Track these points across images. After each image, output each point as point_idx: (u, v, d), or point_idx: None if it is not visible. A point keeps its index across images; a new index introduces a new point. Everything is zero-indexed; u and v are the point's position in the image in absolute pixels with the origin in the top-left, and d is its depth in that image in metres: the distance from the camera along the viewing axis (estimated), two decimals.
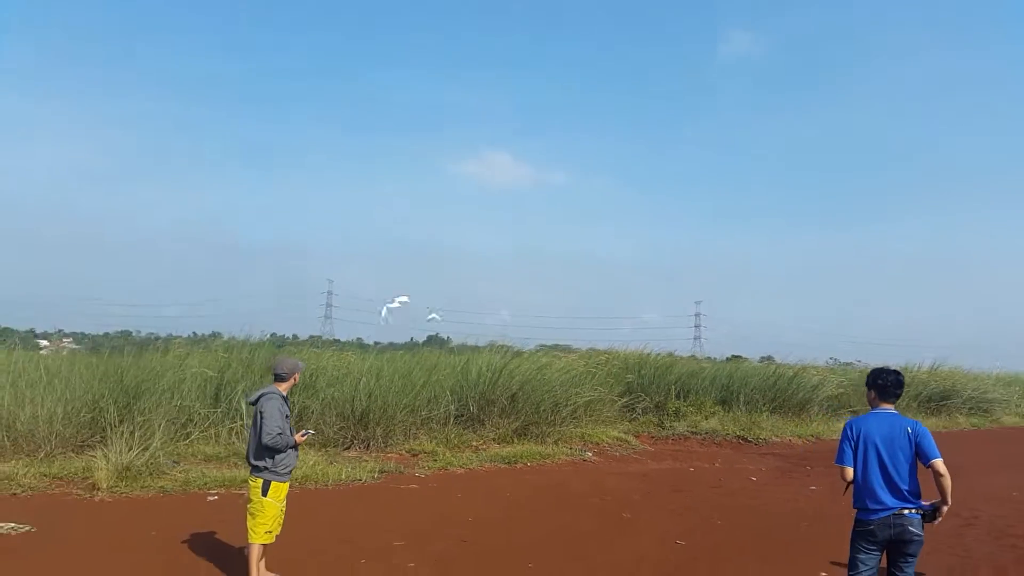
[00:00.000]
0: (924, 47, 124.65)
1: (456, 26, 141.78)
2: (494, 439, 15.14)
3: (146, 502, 9.52)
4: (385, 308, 21.92)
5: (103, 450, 10.95)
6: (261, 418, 6.37)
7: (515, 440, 15.09)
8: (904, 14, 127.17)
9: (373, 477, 11.59)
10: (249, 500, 6.51)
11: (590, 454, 14.80)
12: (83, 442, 11.97)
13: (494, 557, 7.63)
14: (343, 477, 11.37)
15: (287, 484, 6.62)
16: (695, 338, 76.91)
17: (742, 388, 19.55)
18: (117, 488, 9.86)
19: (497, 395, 15.54)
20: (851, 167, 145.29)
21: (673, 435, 18.11)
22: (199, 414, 13.19)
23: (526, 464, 13.47)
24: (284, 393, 6.73)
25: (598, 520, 9.44)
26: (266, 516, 6.43)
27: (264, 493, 6.43)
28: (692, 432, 18.22)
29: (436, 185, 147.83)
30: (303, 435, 6.73)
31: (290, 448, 6.55)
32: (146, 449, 10.88)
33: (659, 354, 21.35)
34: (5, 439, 11.53)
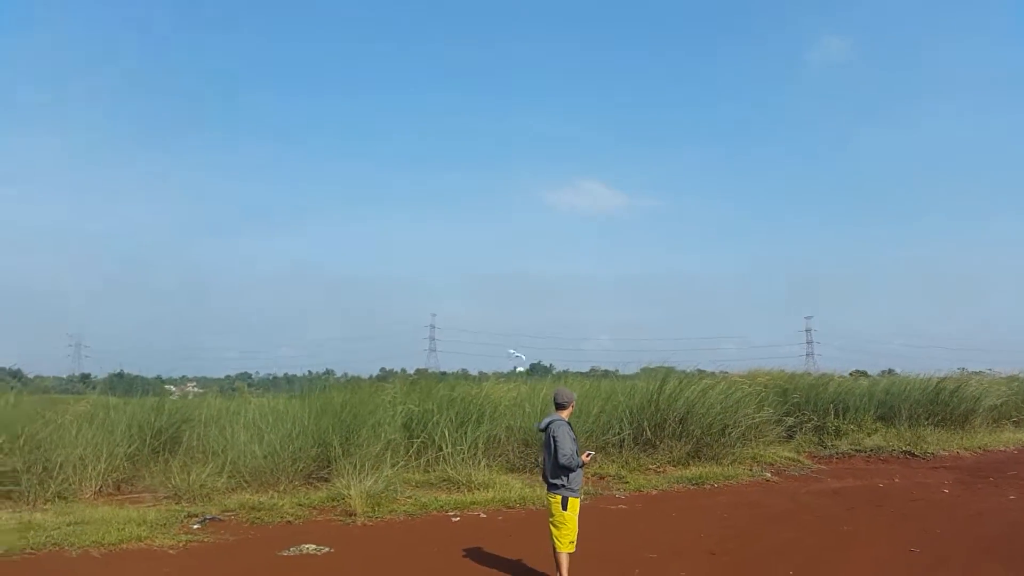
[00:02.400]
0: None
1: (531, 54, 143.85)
2: (668, 461, 15.70)
3: (402, 524, 10.55)
4: (513, 351, 23.31)
5: (342, 480, 12.17)
6: (555, 442, 7.27)
7: (689, 462, 15.61)
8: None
9: (584, 498, 12.34)
10: (551, 515, 7.39)
11: (768, 474, 15.17)
12: (311, 474, 13.21)
13: (750, 566, 8.25)
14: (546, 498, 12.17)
15: (579, 499, 7.46)
16: (807, 354, 75.33)
17: (902, 403, 19.49)
18: (370, 513, 10.93)
19: (668, 419, 16.13)
20: (958, 173, 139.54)
21: (836, 454, 18.20)
22: (399, 444, 14.26)
23: (713, 485, 13.98)
24: (567, 419, 7.61)
25: (821, 534, 9.91)
26: (569, 528, 7.29)
27: (564, 507, 7.31)
28: (856, 450, 18.28)
29: (529, 215, 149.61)
30: (588, 456, 7.59)
31: (578, 467, 7.40)
32: (379, 479, 11.99)
33: (809, 374, 21.49)
34: (246, 474, 12.85)
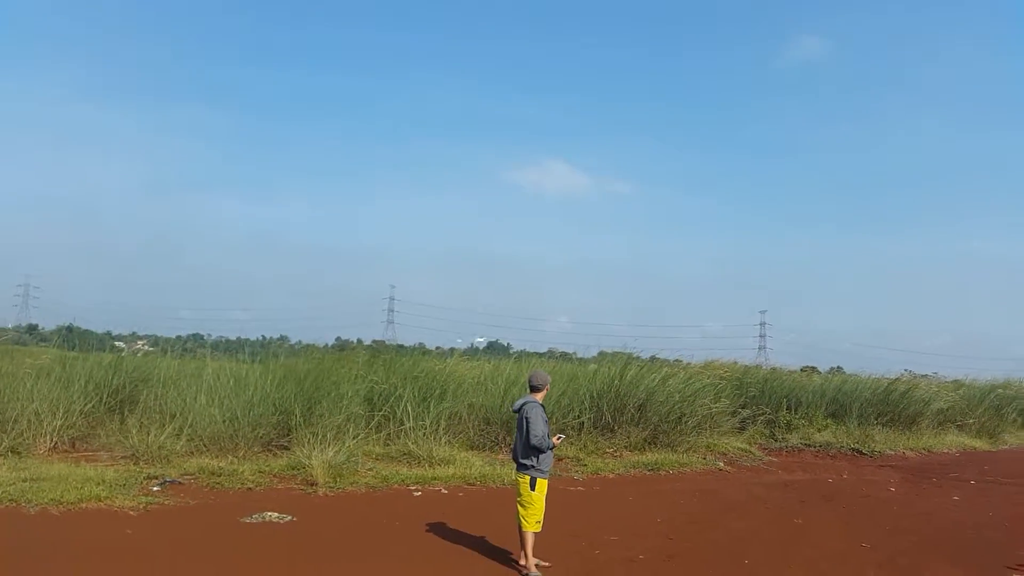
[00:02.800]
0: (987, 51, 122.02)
1: (508, 33, 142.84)
2: (625, 446, 15.97)
3: (363, 496, 10.58)
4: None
5: (302, 449, 12.14)
6: (527, 423, 7.37)
7: (646, 448, 15.91)
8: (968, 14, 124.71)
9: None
10: (519, 494, 7.49)
11: (721, 464, 15.52)
12: (271, 441, 13.15)
13: (707, 553, 8.47)
14: (513, 477, 12.29)
15: (547, 480, 7.57)
16: (760, 348, 76.78)
17: (853, 402, 20.04)
18: (331, 484, 10.93)
19: (627, 404, 16.37)
20: (911, 173, 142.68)
21: (787, 447, 18.69)
22: (361, 417, 14.24)
23: (668, 472, 14.26)
24: (540, 401, 7.70)
25: (775, 525, 10.19)
26: (536, 508, 7.40)
27: (532, 488, 7.41)
28: (806, 444, 18.80)
29: (494, 193, 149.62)
30: (558, 439, 7.70)
31: (548, 449, 7.50)
32: (340, 451, 11.98)
33: (761, 367, 21.95)
34: (204, 438, 12.72)
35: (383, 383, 14.70)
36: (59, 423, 12.54)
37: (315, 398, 13.64)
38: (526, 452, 7.49)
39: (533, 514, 7.42)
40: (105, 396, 13.88)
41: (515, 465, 7.68)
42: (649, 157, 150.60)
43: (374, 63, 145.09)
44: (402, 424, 14.29)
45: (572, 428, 15.68)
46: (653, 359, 21.47)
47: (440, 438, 14.13)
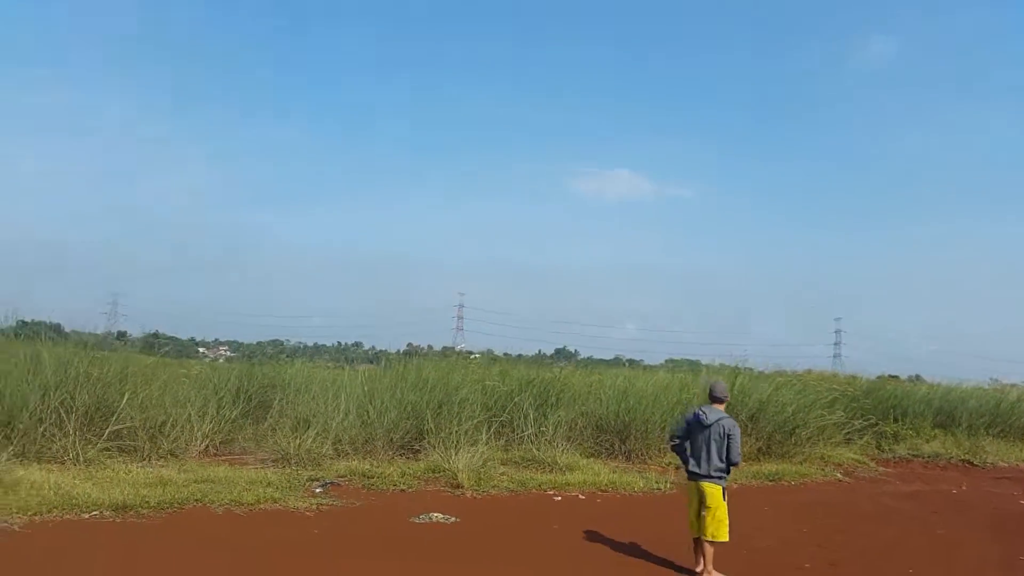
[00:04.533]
0: None
1: (568, 39, 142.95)
2: None
3: (509, 499, 11.02)
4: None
5: (435, 453, 12.67)
6: (729, 439, 7.69)
7: (760, 458, 15.98)
8: None
9: (667, 487, 12.74)
10: (707, 506, 7.75)
11: (839, 474, 15.49)
12: (405, 445, 13.70)
13: (867, 561, 8.61)
14: (642, 486, 12.59)
15: None
16: (835, 356, 75.27)
17: (961, 411, 19.70)
18: (475, 487, 11.38)
19: (738, 414, 16.46)
20: (996, 178, 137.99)
21: (894, 458, 18.48)
22: (483, 422, 14.66)
23: (789, 482, 14.31)
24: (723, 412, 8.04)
25: (920, 535, 10.26)
26: (726, 516, 7.70)
27: (724, 497, 7.72)
28: (913, 455, 18.55)
29: (558, 201, 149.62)
30: None
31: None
32: (475, 455, 12.44)
33: (867, 377, 21.73)
34: (345, 441, 13.31)
35: (504, 387, 15.13)
36: (207, 427, 13.29)
37: (443, 402, 14.15)
38: (721, 465, 7.78)
39: (724, 523, 7.71)
40: (242, 402, 14.64)
41: (695, 475, 7.91)
42: (713, 162, 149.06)
43: (437, 74, 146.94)
44: (518, 430, 14.70)
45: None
46: (722, 367, 21.44)
47: (558, 445, 14.47)
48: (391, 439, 13.61)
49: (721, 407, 7.99)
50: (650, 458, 15.25)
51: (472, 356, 21.55)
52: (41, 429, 11.20)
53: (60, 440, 11.32)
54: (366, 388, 14.35)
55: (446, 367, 15.87)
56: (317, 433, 13.02)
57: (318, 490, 10.63)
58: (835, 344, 79.68)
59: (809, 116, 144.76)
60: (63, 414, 11.47)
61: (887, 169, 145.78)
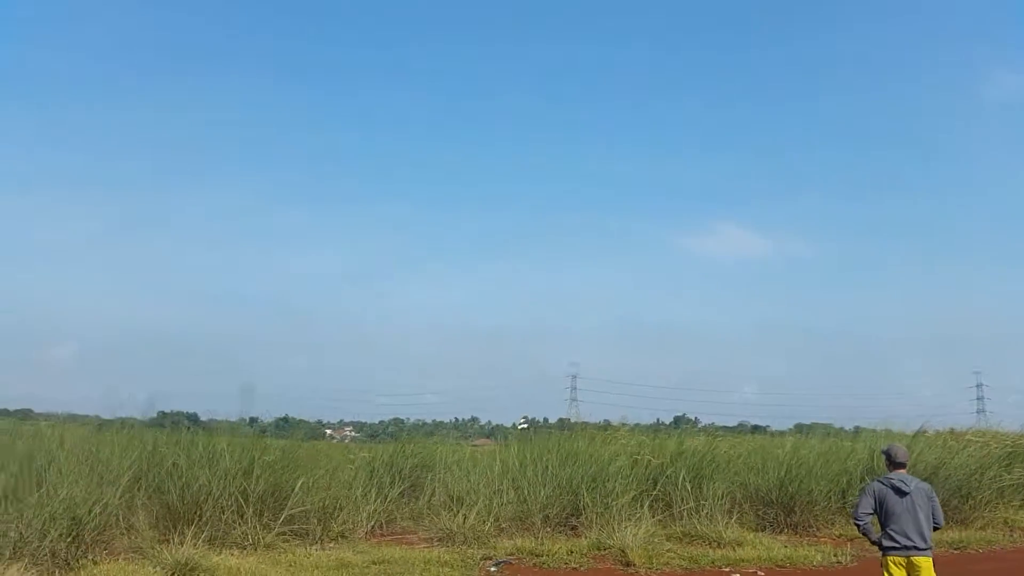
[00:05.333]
0: None
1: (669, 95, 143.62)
2: None
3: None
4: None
5: (595, 529, 12.49)
6: (934, 503, 7.27)
7: None
8: None
9: (847, 560, 12.01)
10: None
11: None
12: (562, 521, 13.55)
13: None
14: (820, 560, 11.94)
15: None
16: (979, 411, 69.92)
17: None
18: (648, 564, 11.09)
19: None
20: None
21: None
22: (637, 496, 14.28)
23: (976, 550, 13.27)
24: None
25: None
26: None
27: (933, 569, 7.26)
28: None
29: (665, 262, 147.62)
30: None
31: None
32: (637, 532, 12.16)
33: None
34: (502, 519, 13.27)
35: (657, 460, 14.82)
36: (371, 508, 13.58)
37: (598, 477, 13.97)
38: (930, 534, 7.39)
39: None
40: (397, 482, 14.93)
41: (904, 549, 7.43)
42: (828, 211, 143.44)
43: (542, 136, 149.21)
44: (674, 505, 14.28)
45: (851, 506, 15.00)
46: (857, 430, 20.35)
47: (718, 518, 13.94)
48: (547, 516, 13.49)
49: (903, 471, 7.58)
50: (818, 530, 14.48)
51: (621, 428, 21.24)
52: (224, 516, 11.71)
53: (240, 526, 11.81)
54: (517, 464, 14.35)
55: (599, 440, 15.71)
56: (478, 511, 13.07)
57: (492, 569, 10.63)
58: (977, 399, 74.04)
59: (931, 160, 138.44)
60: (241, 501, 11.99)
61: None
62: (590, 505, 13.44)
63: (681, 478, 14.34)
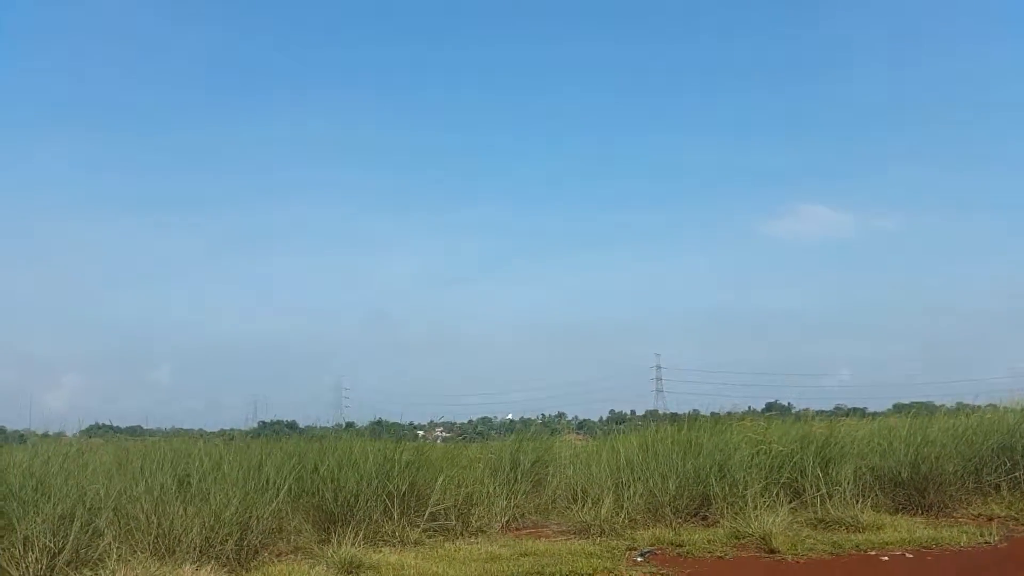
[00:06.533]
0: None
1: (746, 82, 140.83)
2: None
3: (834, 563, 10.70)
4: None
5: (728, 518, 12.61)
6: None
7: None
8: None
9: (994, 539, 11.80)
10: None
11: None
12: (693, 512, 13.70)
13: None
14: (967, 540, 11.76)
15: None
16: None
17: None
18: (793, 551, 11.15)
19: None
20: None
21: None
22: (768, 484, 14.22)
23: None
24: None
25: None
26: None
27: None
28: None
29: (748, 246, 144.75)
30: None
31: None
32: (775, 519, 12.21)
33: None
34: (630, 509, 13.48)
35: (784, 448, 14.79)
36: (504, 503, 14.01)
37: (725, 466, 14.06)
38: None
39: None
40: (521, 477, 15.32)
41: None
42: (914, 184, 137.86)
43: (618, 129, 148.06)
44: (802, 491, 14.23)
45: (989, 486, 14.72)
46: (959, 406, 19.73)
47: (850, 503, 13.84)
48: (676, 507, 13.65)
49: None
50: (954, 511, 14.22)
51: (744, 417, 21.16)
52: (374, 516, 12.29)
53: (387, 524, 12.38)
54: (639, 457, 14.56)
55: (720, 429, 15.75)
56: (609, 504, 13.33)
57: (639, 559, 10.86)
58: None
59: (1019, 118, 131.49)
60: (387, 501, 12.56)
61: None
62: (720, 495, 13.57)
63: (810, 464, 14.31)
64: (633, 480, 14.02)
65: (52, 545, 9.46)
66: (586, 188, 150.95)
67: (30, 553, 9.28)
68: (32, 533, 9.41)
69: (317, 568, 10.00)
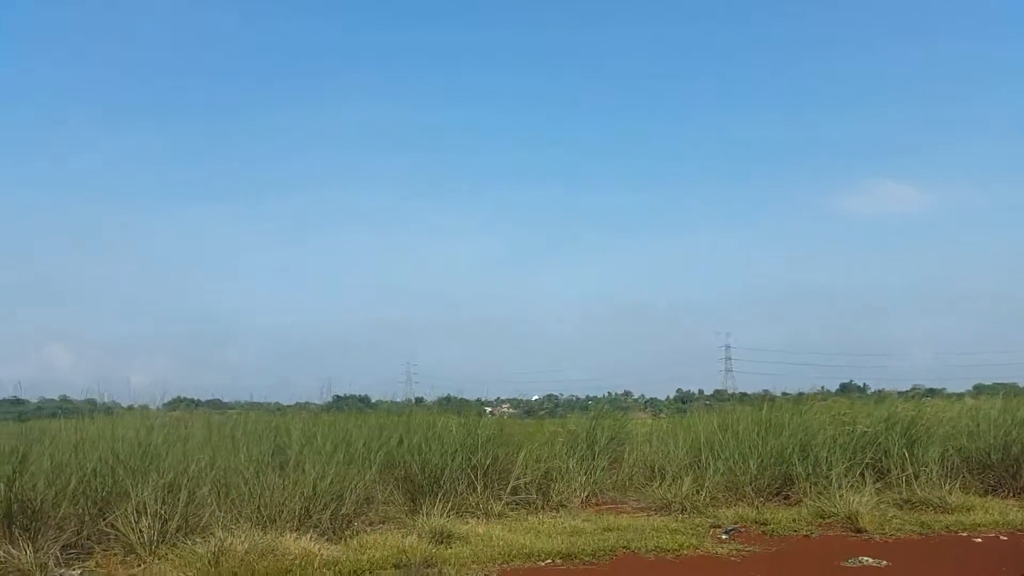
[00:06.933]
0: None
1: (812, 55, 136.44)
2: None
3: (921, 543, 10.58)
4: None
5: (811, 498, 12.53)
6: None
7: None
8: None
9: None
10: None
11: None
12: (776, 491, 13.67)
13: None
14: None
15: None
16: None
17: None
18: (881, 531, 11.06)
19: None
20: None
21: None
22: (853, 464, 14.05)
23: None
24: None
25: None
26: None
27: None
28: None
29: (818, 224, 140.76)
30: None
31: None
32: (860, 499, 12.09)
33: None
34: (710, 487, 13.51)
35: (863, 430, 14.58)
36: (583, 479, 14.22)
37: (807, 445, 13.96)
38: None
39: None
40: (598, 454, 15.50)
41: None
42: (993, 157, 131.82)
43: (682, 107, 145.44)
44: (886, 472, 14.03)
45: None
46: None
47: (939, 484, 13.57)
48: (757, 486, 13.62)
49: None
50: None
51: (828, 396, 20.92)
52: (459, 488, 12.64)
53: (471, 496, 12.71)
54: (720, 437, 14.55)
55: (801, 409, 15.61)
56: (690, 482, 13.40)
57: (723, 536, 10.92)
58: None
59: None
60: (471, 474, 12.89)
61: None
62: (802, 475, 13.49)
63: (896, 444, 14.08)
64: (713, 459, 14.06)
65: (162, 512, 10.02)
66: (651, 167, 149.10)
67: (143, 519, 9.85)
68: (142, 500, 9.98)
69: (409, 537, 10.32)
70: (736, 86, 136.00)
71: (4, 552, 9.05)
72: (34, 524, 9.58)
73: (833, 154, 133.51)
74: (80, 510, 10.26)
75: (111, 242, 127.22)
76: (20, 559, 8.92)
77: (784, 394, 22.29)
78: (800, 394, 20.92)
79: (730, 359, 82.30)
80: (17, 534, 9.36)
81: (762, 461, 13.76)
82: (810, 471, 13.55)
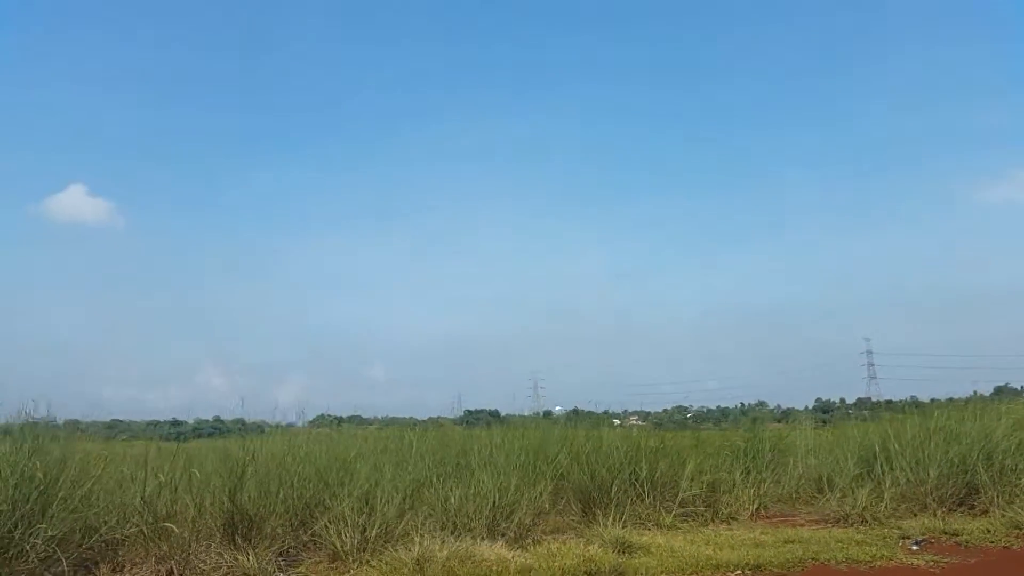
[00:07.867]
0: None
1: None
2: None
3: None
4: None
5: (1005, 507, 11.94)
6: None
7: None
8: None
9: None
10: None
11: None
12: (960, 501, 13.11)
13: None
14: None
15: None
16: None
17: None
18: None
19: None
20: None
21: None
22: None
23: None
24: None
25: None
26: None
27: None
28: None
29: (961, 219, 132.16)
30: None
31: None
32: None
33: None
34: (891, 500, 13.07)
35: None
36: (750, 491, 14.10)
37: (993, 454, 13.32)
38: None
39: None
40: (762, 466, 15.31)
41: None
42: None
43: (813, 102, 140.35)
44: None
45: None
46: None
47: None
48: (939, 495, 13.10)
49: None
50: None
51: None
52: (629, 499, 12.82)
53: (641, 508, 12.86)
54: (896, 445, 14.08)
55: (978, 414, 14.89)
56: (868, 492, 13.03)
57: (913, 547, 10.60)
58: None
59: None
60: (640, 486, 13.04)
61: None
62: (988, 483, 12.88)
63: None
64: (889, 469, 13.64)
65: (360, 521, 10.71)
66: (776, 168, 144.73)
67: (344, 529, 10.55)
68: (342, 511, 10.70)
69: (592, 547, 10.57)
70: (879, 74, 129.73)
71: (231, 558, 9.93)
72: (252, 533, 10.45)
73: (974, 142, 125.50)
74: (284, 521, 11.11)
75: (259, 267, 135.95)
76: (244, 564, 9.78)
77: (933, 400, 21.25)
78: (950, 399, 19.99)
79: (872, 365, 78.50)
80: (239, 542, 10.24)
81: (942, 470, 13.24)
82: (996, 479, 12.94)
